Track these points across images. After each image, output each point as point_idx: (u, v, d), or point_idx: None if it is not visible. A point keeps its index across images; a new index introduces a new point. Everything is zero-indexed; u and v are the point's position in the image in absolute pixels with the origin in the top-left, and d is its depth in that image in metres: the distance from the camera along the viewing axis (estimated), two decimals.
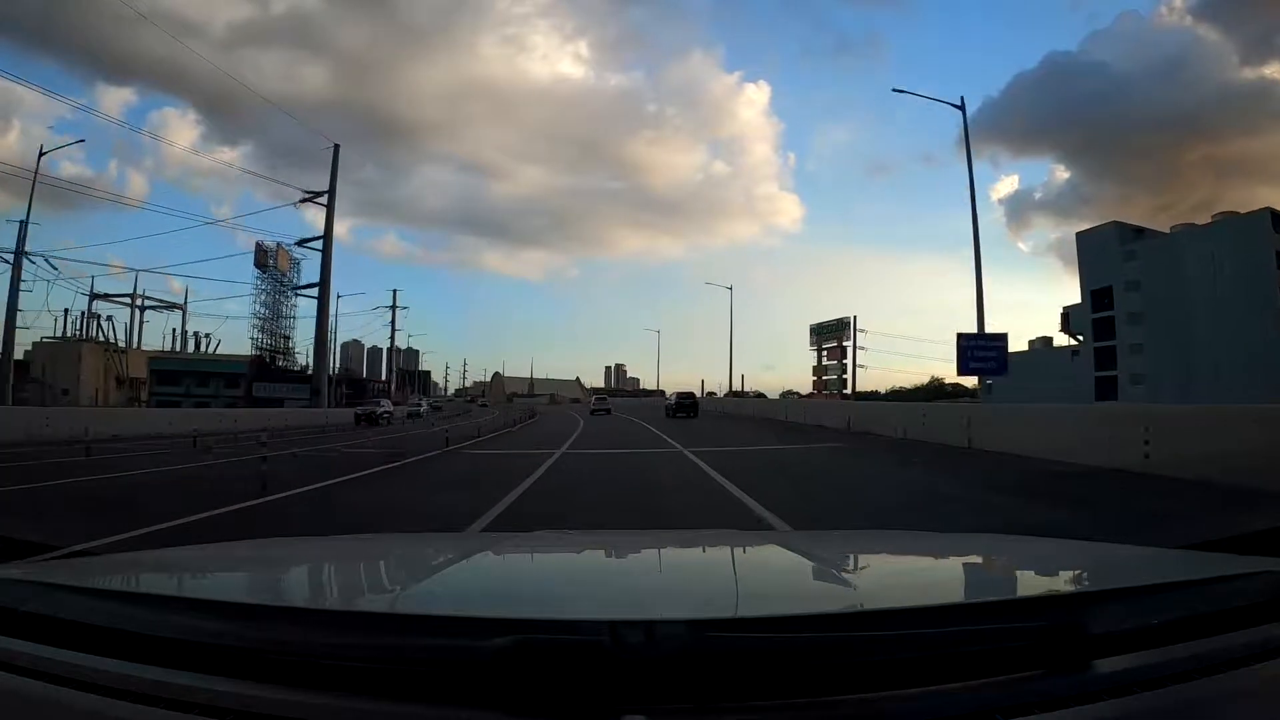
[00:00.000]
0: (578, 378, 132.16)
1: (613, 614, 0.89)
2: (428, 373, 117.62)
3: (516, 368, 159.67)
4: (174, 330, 64.54)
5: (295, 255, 54.24)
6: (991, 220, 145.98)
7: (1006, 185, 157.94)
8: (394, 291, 64.52)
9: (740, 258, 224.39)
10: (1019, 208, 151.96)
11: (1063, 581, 1.43)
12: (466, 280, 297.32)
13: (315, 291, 43.58)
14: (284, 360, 55.84)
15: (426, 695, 0.79)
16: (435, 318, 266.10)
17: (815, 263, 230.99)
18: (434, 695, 0.79)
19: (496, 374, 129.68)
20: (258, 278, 53.97)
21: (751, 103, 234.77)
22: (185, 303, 61.73)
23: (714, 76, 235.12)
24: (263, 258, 53.25)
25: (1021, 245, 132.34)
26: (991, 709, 0.79)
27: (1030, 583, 1.42)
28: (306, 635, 0.89)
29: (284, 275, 54.35)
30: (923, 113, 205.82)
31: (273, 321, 55.15)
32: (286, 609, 1.11)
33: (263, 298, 53.78)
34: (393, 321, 63.32)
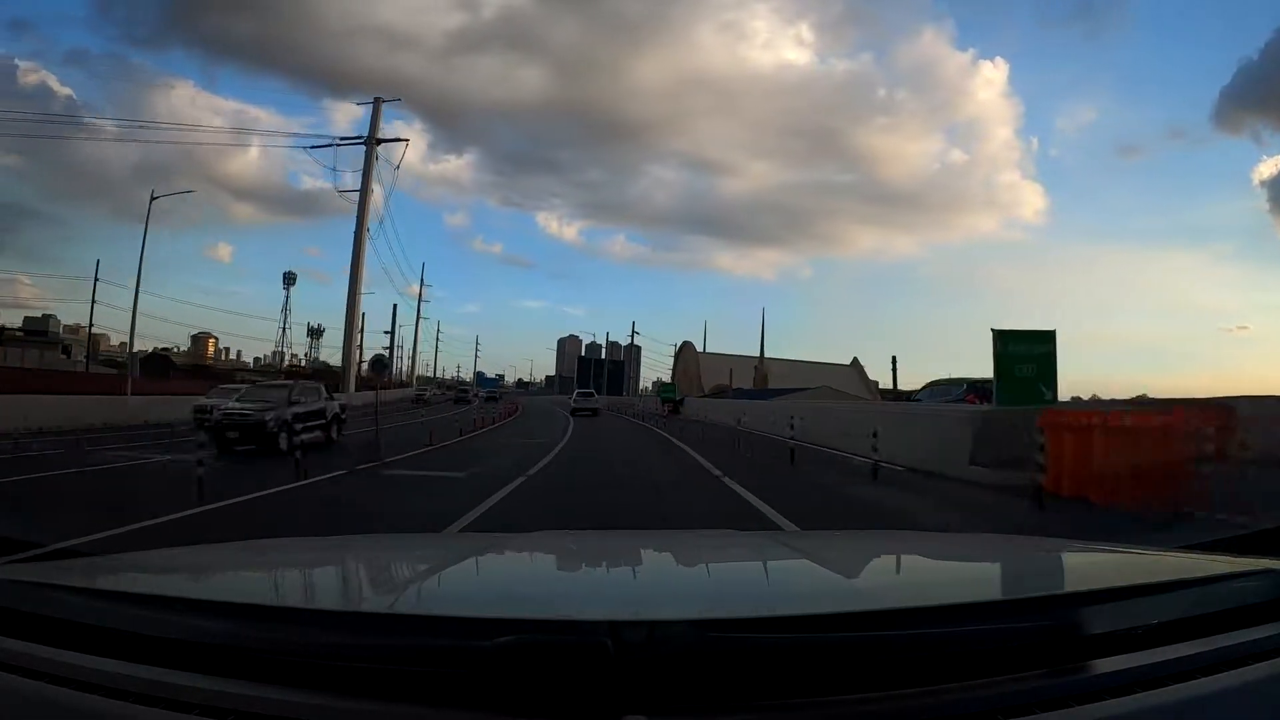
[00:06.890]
0: (855, 359, 68.94)
1: (614, 614, 0.88)
2: (622, 364, 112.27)
3: (733, 343, 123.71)
4: None
5: None
6: (1252, 208, 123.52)
7: (1270, 166, 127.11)
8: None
9: (979, 254, 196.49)
10: None
11: (1063, 581, 1.43)
12: (697, 280, 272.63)
13: None
14: None
15: (426, 696, 0.79)
16: (665, 317, 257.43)
17: (1060, 258, 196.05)
18: (434, 696, 0.79)
19: (686, 344, 75.16)
20: None
21: (988, 82, 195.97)
22: None
23: (946, 55, 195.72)
24: None
25: None
26: (992, 709, 0.79)
27: (1030, 583, 1.41)
28: (306, 635, 0.89)
29: None
30: (1172, 80, 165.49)
31: None
32: (286, 609, 1.11)
33: None
34: (420, 285, 54.38)
